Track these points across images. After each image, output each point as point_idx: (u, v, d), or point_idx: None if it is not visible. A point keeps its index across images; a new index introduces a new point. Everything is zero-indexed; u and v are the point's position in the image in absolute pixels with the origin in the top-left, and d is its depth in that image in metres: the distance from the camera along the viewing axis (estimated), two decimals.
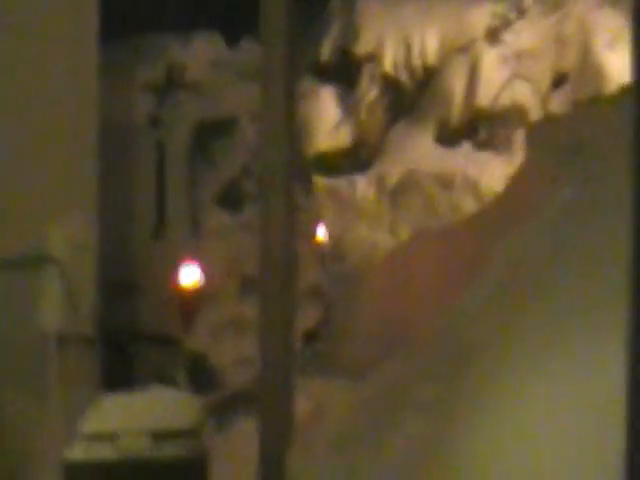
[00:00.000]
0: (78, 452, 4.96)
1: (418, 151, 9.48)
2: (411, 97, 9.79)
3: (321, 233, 8.50)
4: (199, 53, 8.45)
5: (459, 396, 4.30)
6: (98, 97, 7.13)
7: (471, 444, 3.74)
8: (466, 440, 3.78)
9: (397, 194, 9.29)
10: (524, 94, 9.86)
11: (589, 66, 9.78)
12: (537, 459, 3.28)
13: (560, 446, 3.28)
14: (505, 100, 9.76)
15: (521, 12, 10.12)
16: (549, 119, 8.61)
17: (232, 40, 8.66)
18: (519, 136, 9.44)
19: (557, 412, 3.44)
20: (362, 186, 9.38)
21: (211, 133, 8.07)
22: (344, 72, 9.82)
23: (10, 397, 6.23)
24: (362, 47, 9.80)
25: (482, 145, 9.59)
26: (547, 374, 3.67)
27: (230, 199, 8.06)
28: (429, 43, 9.92)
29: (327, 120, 9.72)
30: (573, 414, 3.36)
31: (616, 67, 9.73)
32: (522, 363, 3.88)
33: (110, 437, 4.96)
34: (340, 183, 9.40)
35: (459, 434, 3.87)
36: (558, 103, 9.68)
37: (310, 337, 8.16)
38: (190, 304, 7.59)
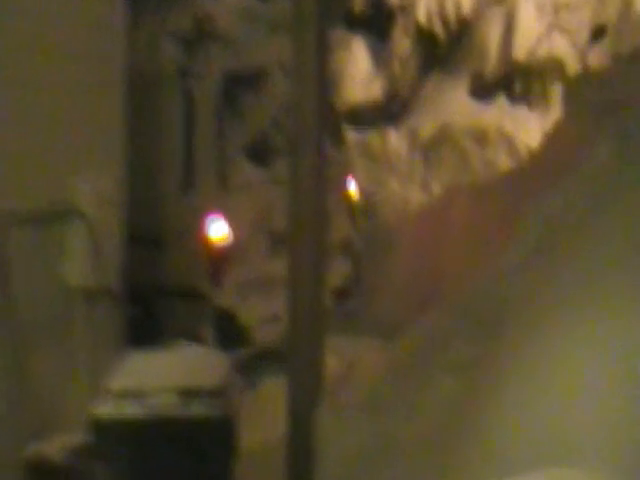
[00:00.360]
0: (105, 408, 4.92)
1: (452, 105, 9.27)
2: (445, 49, 9.56)
3: (352, 188, 8.36)
4: (229, 4, 8.29)
5: (493, 358, 4.20)
6: (126, 48, 7.00)
7: (503, 406, 3.66)
8: (498, 402, 3.71)
9: (430, 149, 9.10)
10: (562, 47, 9.59)
11: (630, 19, 9.52)
12: (569, 423, 3.20)
13: (593, 410, 3.19)
14: (542, 53, 9.49)
15: None
16: (587, 75, 8.38)
17: None
18: (556, 91, 9.22)
19: (592, 376, 3.34)
20: (394, 140, 9.19)
21: (241, 85, 7.93)
22: (377, 23, 9.60)
23: (37, 352, 6.20)
24: None
25: (517, 99, 9.36)
26: (583, 336, 3.57)
27: (259, 153, 7.93)
28: None
29: (359, 72, 9.52)
30: (609, 378, 3.26)
31: None
32: (558, 325, 3.78)
33: (138, 394, 4.91)
34: (371, 137, 9.22)
35: (491, 396, 3.80)
36: (597, 57, 9.44)
37: (341, 294, 8.05)
38: (218, 258, 7.49)
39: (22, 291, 6.23)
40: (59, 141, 6.61)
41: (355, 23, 9.40)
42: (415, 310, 5.88)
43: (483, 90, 9.38)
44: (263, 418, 6.30)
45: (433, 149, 9.07)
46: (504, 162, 8.82)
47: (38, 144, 6.51)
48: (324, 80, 5.49)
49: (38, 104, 6.50)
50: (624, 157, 5.21)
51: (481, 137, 9.05)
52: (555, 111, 8.71)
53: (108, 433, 4.95)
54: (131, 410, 4.87)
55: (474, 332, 4.70)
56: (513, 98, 9.42)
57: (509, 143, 9.00)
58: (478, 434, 3.74)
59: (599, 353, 3.41)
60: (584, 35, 9.72)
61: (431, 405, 4.47)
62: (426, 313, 5.23)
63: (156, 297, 7.60)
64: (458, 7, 9.62)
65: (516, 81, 9.44)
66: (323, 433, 5.00)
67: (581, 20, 9.72)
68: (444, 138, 9.05)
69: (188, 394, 4.89)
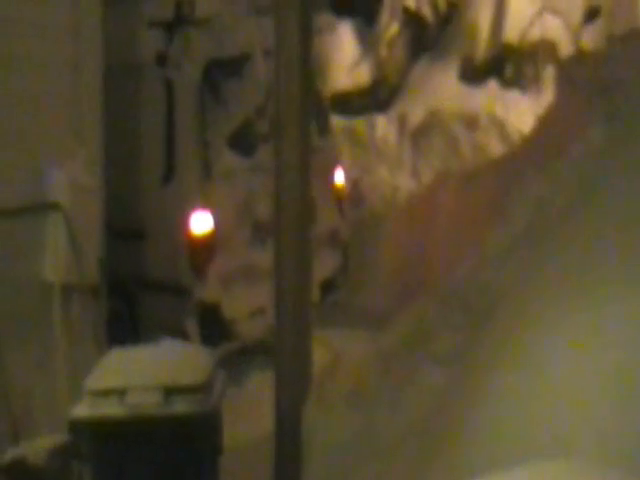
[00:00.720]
0: (84, 408, 4.79)
1: (441, 90, 9.10)
2: (434, 32, 9.39)
3: (339, 176, 8.18)
4: None
5: (479, 347, 4.16)
6: (102, 35, 6.81)
7: (490, 397, 3.57)
8: (485, 393, 3.62)
9: (419, 135, 8.95)
10: (554, 29, 9.43)
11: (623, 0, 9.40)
12: (558, 414, 3.09)
13: (583, 401, 3.08)
14: (534, 35, 9.33)
15: None
16: (580, 56, 8.25)
17: None
18: (548, 73, 9.07)
19: (583, 365, 3.23)
20: (382, 126, 9.03)
21: (222, 71, 7.72)
22: (364, 6, 9.42)
23: (14, 350, 6.03)
24: None
25: (509, 83, 9.21)
26: (574, 324, 3.46)
27: (243, 141, 7.72)
28: None
29: (345, 57, 9.35)
30: (600, 368, 3.14)
31: None
32: (546, 312, 3.69)
33: (118, 393, 4.78)
34: (359, 123, 9.06)
35: (478, 387, 3.74)
36: (590, 39, 9.29)
37: (327, 286, 7.87)
38: (202, 252, 7.29)
39: None
40: (34, 131, 6.41)
41: (341, 5, 9.23)
42: (403, 299, 5.79)
43: (473, 74, 9.24)
44: (249, 413, 6.22)
45: (422, 135, 8.91)
46: (495, 147, 8.68)
47: (11, 134, 6.31)
48: (308, 65, 5.39)
49: (9, 90, 6.29)
50: (615, 139, 5.13)
51: (471, 122, 8.89)
52: (547, 94, 8.56)
53: (87, 433, 4.83)
54: (111, 409, 4.74)
55: (461, 321, 4.67)
56: (504, 82, 9.28)
57: (500, 128, 8.85)
58: (464, 425, 3.65)
59: (590, 342, 3.32)
60: (577, 16, 9.58)
61: (417, 397, 4.42)
62: (413, 302, 5.18)
63: (138, 291, 7.42)
64: None
65: (507, 64, 9.30)
66: (309, 427, 4.96)
67: (574, 1, 9.57)
68: (433, 123, 8.90)
69: (171, 391, 4.76)
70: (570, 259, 3.96)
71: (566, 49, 9.27)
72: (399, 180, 8.61)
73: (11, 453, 5.57)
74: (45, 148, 6.44)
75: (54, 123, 6.53)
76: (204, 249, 7.29)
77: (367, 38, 9.34)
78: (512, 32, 9.29)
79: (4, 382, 5.99)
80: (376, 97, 9.18)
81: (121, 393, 4.78)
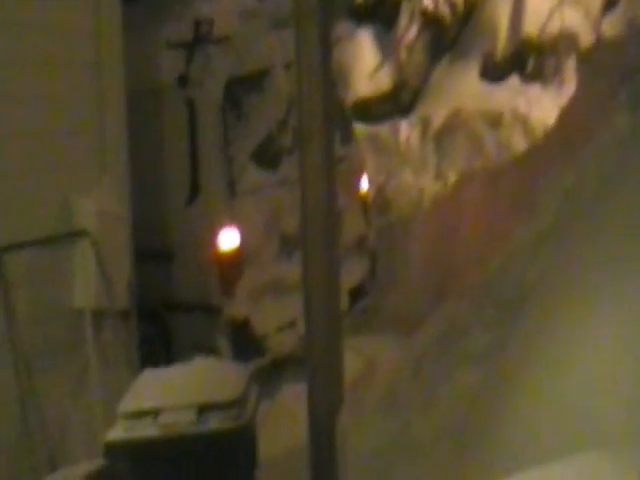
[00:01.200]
0: (119, 431, 4.78)
1: (463, 89, 9.05)
2: (453, 33, 9.33)
3: (364, 183, 8.14)
4: (226, 5, 8.10)
5: (512, 344, 4.11)
6: (124, 59, 6.85)
7: (524, 393, 3.53)
8: (519, 390, 3.58)
9: (442, 136, 8.89)
10: (574, 20, 9.32)
11: None
12: (594, 407, 3.08)
13: (618, 392, 3.07)
14: (554, 28, 9.24)
15: None
16: (601, 44, 8.16)
17: None
18: (570, 64, 8.97)
19: (616, 356, 3.17)
20: (405, 130, 8.99)
21: (244, 88, 7.72)
22: (382, 12, 9.39)
23: (48, 378, 6.06)
24: None
25: (531, 77, 9.12)
26: (606, 316, 3.41)
27: (266, 155, 7.71)
28: None
29: (366, 64, 9.32)
30: (634, 359, 3.07)
31: None
32: (579, 305, 3.63)
33: (151, 414, 4.77)
34: (382, 129, 9.03)
35: (512, 383, 3.69)
36: (610, 28, 9.17)
37: (357, 292, 7.83)
38: (230, 270, 7.29)
39: (29, 316, 6.10)
40: (60, 160, 6.47)
41: (360, 13, 9.21)
42: (433, 302, 5.74)
43: (494, 71, 9.17)
44: (283, 425, 6.20)
45: (445, 136, 8.87)
46: (519, 143, 8.60)
47: (38, 164, 6.37)
48: (329, 75, 5.38)
49: (36, 122, 6.35)
50: (639, 124, 5.06)
51: (494, 119, 8.82)
52: (570, 86, 8.47)
53: (122, 456, 4.82)
54: (145, 431, 4.72)
55: (493, 318, 4.63)
56: (526, 77, 9.19)
57: (524, 123, 8.76)
58: (499, 423, 3.59)
59: (622, 333, 3.26)
60: (596, 5, 9.46)
61: (450, 397, 4.39)
62: (444, 304, 5.15)
63: (169, 312, 7.43)
64: None
65: (528, 59, 9.21)
66: (344, 434, 4.94)
67: None
68: (456, 124, 8.84)
69: (204, 409, 4.75)
70: (600, 249, 3.90)
71: (587, 39, 9.15)
72: (424, 182, 8.56)
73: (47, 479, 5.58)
74: (71, 177, 6.50)
75: (80, 151, 6.59)
76: (232, 266, 7.28)
77: (386, 44, 9.31)
78: (531, 26, 9.21)
79: (39, 409, 6.02)
80: (398, 101, 9.14)
81: (155, 414, 4.78)
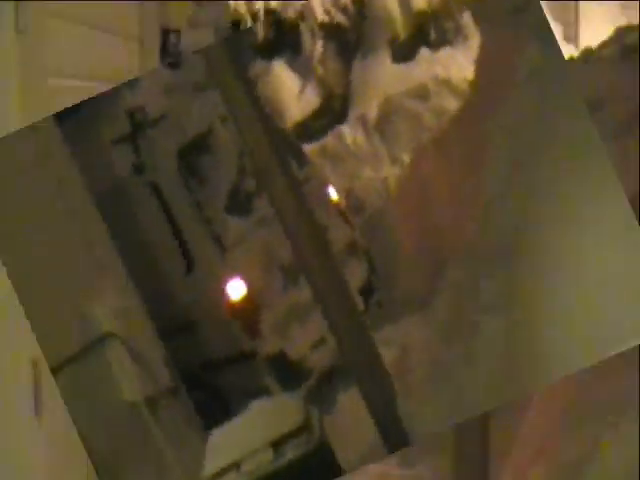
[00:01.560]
0: None
1: (383, 78, 9.46)
2: (355, 32, 9.76)
3: (332, 193, 8.55)
4: (148, 88, 8.49)
5: (522, 285, 4.34)
6: (85, 180, 7.17)
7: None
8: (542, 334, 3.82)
9: (382, 126, 9.30)
10: None
11: None
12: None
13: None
14: None
15: None
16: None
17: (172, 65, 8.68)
18: (467, 19, 9.38)
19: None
20: (349, 134, 9.39)
21: (195, 154, 8.14)
22: (285, 41, 9.82)
23: (128, 477, 6.33)
24: (290, 9, 9.81)
25: (437, 44, 9.53)
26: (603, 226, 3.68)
27: (238, 204, 8.13)
28: None
29: (290, 90, 9.72)
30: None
31: None
32: (578, 222, 3.89)
33: (233, 467, 5.01)
34: (328, 140, 9.42)
35: (533, 324, 3.93)
36: None
37: (366, 290, 8.22)
38: (249, 314, 7.70)
39: (87, 426, 6.37)
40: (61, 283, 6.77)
41: (266, 52, 9.61)
42: (435, 276, 6.02)
43: (403, 51, 9.56)
44: (350, 432, 6.46)
45: (385, 124, 9.25)
46: (451, 104, 8.99)
47: (44, 289, 6.66)
48: (264, 114, 5.71)
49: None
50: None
51: (421, 93, 9.22)
52: (475, 39, 8.90)
53: None
54: None
55: (495, 269, 4.86)
56: (433, 46, 9.59)
57: (448, 86, 9.17)
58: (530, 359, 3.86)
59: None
60: None
61: (481, 348, 4.64)
62: (444, 275, 5.38)
63: (209, 373, 7.80)
64: None
65: (429, 29, 9.60)
66: (407, 421, 5.15)
67: None
68: (390, 110, 9.24)
69: (278, 444, 5.02)
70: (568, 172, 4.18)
71: None
72: (384, 172, 8.94)
73: None
74: (76, 294, 6.79)
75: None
76: (249, 310, 7.69)
77: (301, 66, 9.73)
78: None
79: None
80: (332, 112, 9.55)
81: (236, 466, 5.03)
